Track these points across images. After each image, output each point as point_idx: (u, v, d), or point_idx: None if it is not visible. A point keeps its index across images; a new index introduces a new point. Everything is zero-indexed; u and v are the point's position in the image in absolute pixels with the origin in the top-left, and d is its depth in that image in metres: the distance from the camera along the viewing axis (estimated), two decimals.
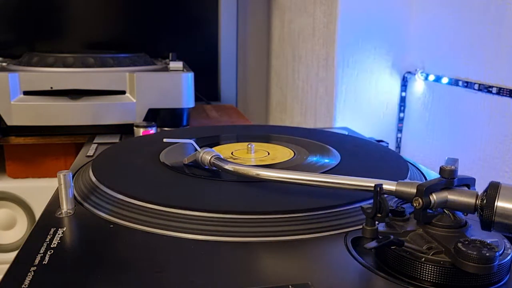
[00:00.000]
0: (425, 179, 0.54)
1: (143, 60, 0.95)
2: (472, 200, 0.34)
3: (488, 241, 0.31)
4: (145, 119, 0.85)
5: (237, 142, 0.65)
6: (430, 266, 0.32)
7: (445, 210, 0.35)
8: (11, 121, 0.80)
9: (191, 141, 0.57)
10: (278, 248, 0.37)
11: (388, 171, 0.53)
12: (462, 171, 0.35)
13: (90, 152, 0.66)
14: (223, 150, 0.60)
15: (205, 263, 0.35)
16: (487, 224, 0.32)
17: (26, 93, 0.81)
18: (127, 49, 1.13)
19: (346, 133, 0.76)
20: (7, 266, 0.33)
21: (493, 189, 0.32)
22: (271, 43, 1.40)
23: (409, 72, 0.95)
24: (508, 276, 0.33)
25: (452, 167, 0.35)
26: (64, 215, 0.42)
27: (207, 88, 1.32)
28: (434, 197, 0.34)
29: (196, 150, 0.53)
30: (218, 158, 0.50)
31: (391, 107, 0.97)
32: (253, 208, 0.41)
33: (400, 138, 0.99)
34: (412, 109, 0.96)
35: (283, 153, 0.59)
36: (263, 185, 0.46)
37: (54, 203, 0.44)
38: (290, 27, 1.21)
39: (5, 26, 1.18)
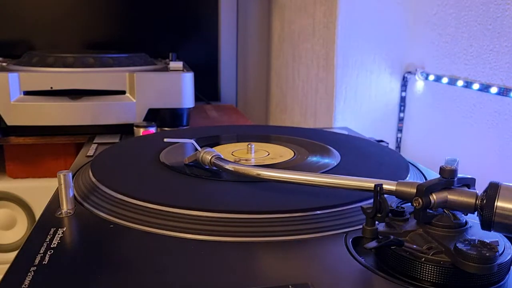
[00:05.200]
0: (425, 179, 0.54)
1: (143, 60, 0.95)
2: (472, 200, 0.34)
3: (488, 241, 0.31)
4: (145, 119, 0.85)
5: (237, 142, 0.65)
6: (430, 266, 0.32)
7: (445, 210, 0.35)
8: (11, 121, 0.80)
9: (192, 141, 0.57)
10: (278, 248, 0.37)
11: (388, 171, 0.53)
12: (462, 171, 0.35)
13: (90, 152, 0.66)
14: (223, 150, 0.60)
15: (205, 263, 0.35)
16: (487, 224, 0.32)
17: (26, 93, 0.81)
18: (127, 49, 1.13)
19: (346, 133, 0.76)
20: (7, 266, 0.33)
21: (493, 189, 0.32)
22: (271, 43, 1.40)
23: (409, 72, 0.95)
24: (508, 276, 0.33)
25: (452, 167, 0.35)
26: (64, 215, 0.42)
27: (207, 88, 1.32)
28: (434, 197, 0.34)
29: (196, 150, 0.53)
30: (219, 158, 0.50)
31: (391, 107, 0.97)
32: (253, 208, 0.41)
33: (400, 138, 0.99)
34: (412, 109, 0.96)
35: (283, 153, 0.59)
36: (263, 185, 0.46)
37: (54, 203, 0.44)
38: (290, 27, 1.21)
39: (5, 26, 1.18)
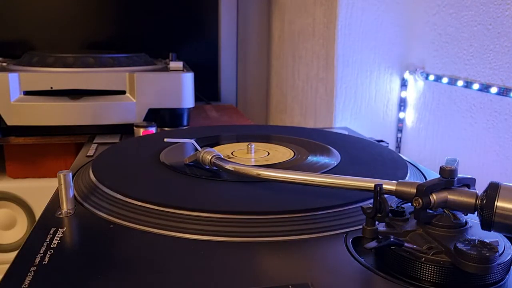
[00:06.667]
0: (425, 179, 0.54)
1: (143, 60, 0.95)
2: (472, 200, 0.34)
3: (488, 241, 0.31)
4: (145, 119, 0.85)
5: (237, 142, 0.65)
6: (430, 266, 0.32)
7: (445, 210, 0.35)
8: (11, 121, 0.80)
9: (192, 140, 0.57)
10: (278, 248, 0.37)
11: (388, 171, 0.53)
12: (462, 171, 0.35)
13: (90, 152, 0.66)
14: (223, 150, 0.60)
15: (205, 263, 0.35)
16: (487, 224, 0.32)
17: (26, 93, 0.81)
18: (127, 49, 1.13)
19: (346, 133, 0.76)
20: (7, 266, 0.33)
21: (493, 189, 0.32)
22: (271, 43, 1.40)
23: (409, 72, 0.95)
24: (508, 276, 0.33)
25: (452, 167, 0.35)
26: (64, 215, 0.42)
27: (207, 88, 1.32)
28: (434, 197, 0.34)
29: (196, 150, 0.53)
30: (219, 158, 0.50)
31: (391, 107, 0.97)
32: (253, 208, 0.41)
33: (400, 138, 0.99)
34: (412, 109, 0.96)
35: (283, 153, 0.59)
36: (263, 185, 0.46)
37: (54, 203, 0.44)
38: (290, 27, 1.21)
39: (5, 26, 1.18)
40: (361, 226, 0.35)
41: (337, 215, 0.41)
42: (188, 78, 0.87)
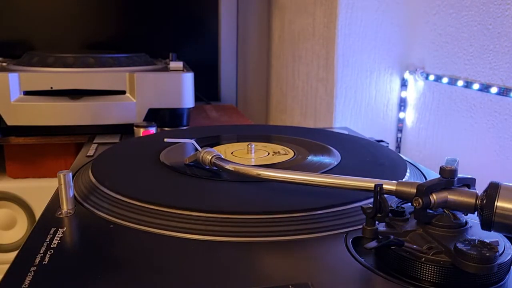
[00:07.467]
0: (425, 179, 0.54)
1: (143, 60, 0.95)
2: (472, 200, 0.34)
3: (488, 241, 0.31)
4: (145, 119, 0.85)
5: (237, 142, 0.65)
6: (430, 266, 0.32)
7: (445, 210, 0.35)
8: (11, 121, 0.80)
9: (192, 141, 0.57)
10: (278, 248, 0.37)
11: (388, 171, 0.53)
12: (462, 171, 0.35)
13: (90, 152, 0.66)
14: (223, 150, 0.60)
15: (205, 263, 0.35)
16: (487, 224, 0.32)
17: (26, 93, 0.81)
18: (127, 49, 1.13)
19: (346, 133, 0.76)
20: (7, 266, 0.33)
21: (493, 189, 0.32)
22: (271, 43, 1.40)
23: (409, 72, 0.95)
24: (508, 276, 0.33)
25: (452, 167, 0.35)
26: (64, 215, 0.42)
27: (207, 88, 1.32)
28: (434, 197, 0.34)
29: (196, 150, 0.53)
30: (219, 158, 0.50)
31: (391, 107, 0.97)
32: (253, 208, 0.41)
33: (400, 138, 0.99)
34: (412, 109, 0.96)
35: (283, 153, 0.59)
36: (263, 185, 0.46)
37: (54, 203, 0.44)
38: (290, 27, 1.21)
39: (5, 26, 1.18)
40: (361, 226, 0.35)
41: (337, 215, 0.41)
42: (188, 78, 0.87)
